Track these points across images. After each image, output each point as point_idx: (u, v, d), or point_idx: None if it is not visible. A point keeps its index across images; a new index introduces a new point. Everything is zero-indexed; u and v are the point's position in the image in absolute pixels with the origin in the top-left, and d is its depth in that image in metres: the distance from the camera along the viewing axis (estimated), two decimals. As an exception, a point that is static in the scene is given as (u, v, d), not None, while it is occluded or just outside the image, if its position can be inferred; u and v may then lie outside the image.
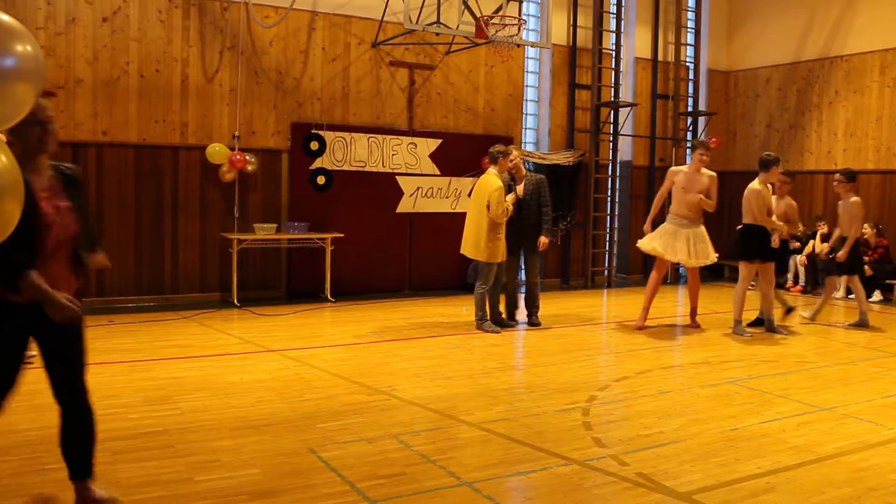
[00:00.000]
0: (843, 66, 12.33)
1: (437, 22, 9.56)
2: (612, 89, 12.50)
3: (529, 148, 12.23)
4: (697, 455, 4.47)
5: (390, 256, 10.75)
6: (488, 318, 8.20)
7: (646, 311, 8.51)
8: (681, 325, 8.84)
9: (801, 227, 11.94)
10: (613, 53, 12.56)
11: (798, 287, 11.81)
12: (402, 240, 10.86)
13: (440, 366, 6.58)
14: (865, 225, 11.16)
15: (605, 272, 12.69)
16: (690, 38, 13.49)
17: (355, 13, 10.35)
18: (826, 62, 12.56)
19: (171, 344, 7.17)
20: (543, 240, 8.29)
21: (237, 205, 9.74)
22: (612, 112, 12.53)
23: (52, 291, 3.09)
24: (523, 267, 8.92)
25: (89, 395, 3.44)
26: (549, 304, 9.56)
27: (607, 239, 12.73)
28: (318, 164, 10.04)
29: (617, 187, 13.02)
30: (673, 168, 8.67)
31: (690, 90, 13.64)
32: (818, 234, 11.54)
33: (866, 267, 10.82)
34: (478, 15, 9.57)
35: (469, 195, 8.60)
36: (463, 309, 9.35)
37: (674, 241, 8.28)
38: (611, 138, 12.71)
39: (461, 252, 8.26)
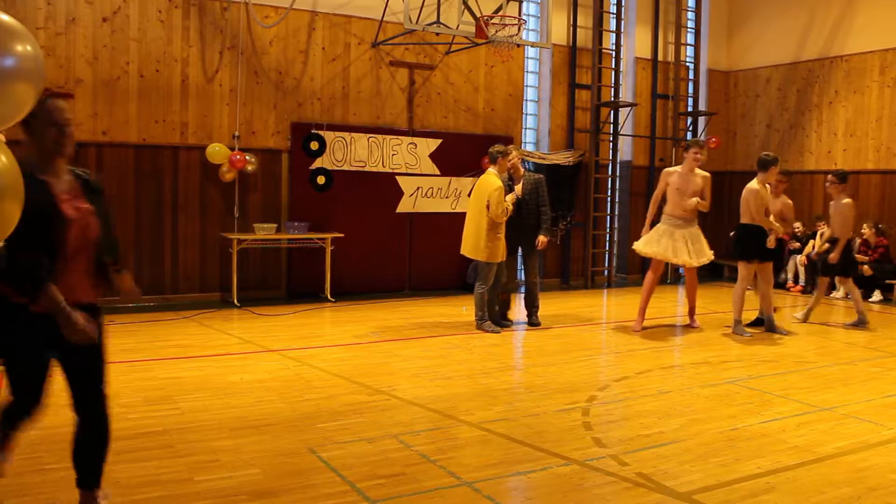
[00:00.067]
0: (843, 66, 12.33)
1: (437, 22, 9.56)
2: (612, 89, 12.50)
3: (529, 148, 12.23)
4: (697, 455, 4.47)
5: (390, 256, 10.75)
6: (488, 318, 8.20)
7: (642, 314, 8.49)
8: (680, 326, 8.84)
9: (799, 227, 11.98)
10: (613, 53, 12.56)
11: (798, 287, 11.81)
12: (402, 240, 10.86)
13: (440, 366, 6.58)
14: (865, 225, 11.18)
15: (605, 272, 12.69)
16: (690, 38, 13.50)
17: (355, 13, 10.35)
18: (826, 62, 12.56)
19: (171, 344, 7.18)
20: (542, 239, 8.28)
21: (237, 205, 9.74)
22: (612, 112, 12.53)
23: (70, 310, 2.99)
24: (522, 267, 8.92)
25: (109, 410, 3.36)
26: (549, 304, 9.56)
27: (607, 239, 12.73)
28: (318, 164, 10.04)
29: (617, 187, 13.02)
30: (667, 169, 8.59)
31: (690, 90, 13.64)
32: (818, 234, 11.54)
33: (866, 267, 10.84)
34: (478, 15, 9.57)
35: (469, 195, 8.60)
36: (463, 309, 9.35)
37: (673, 243, 8.27)
38: (611, 138, 12.72)
39: (461, 252, 8.26)
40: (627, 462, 4.33)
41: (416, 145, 10.77)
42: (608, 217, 12.76)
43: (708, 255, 8.38)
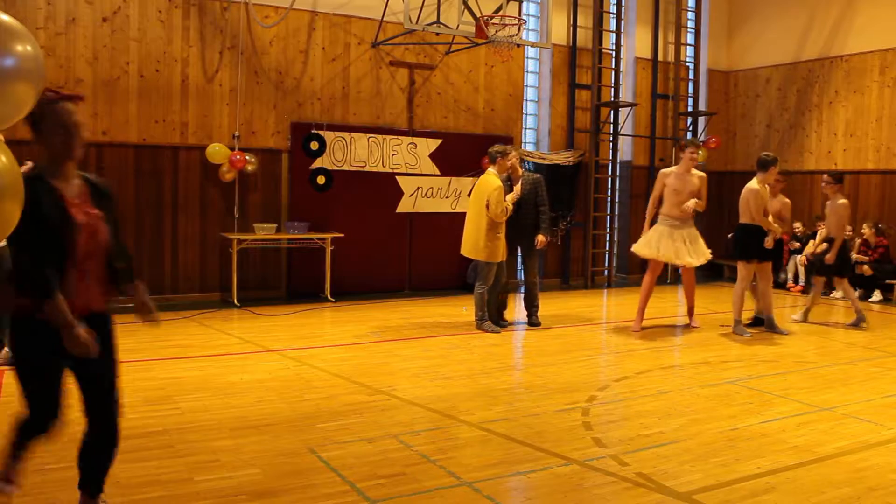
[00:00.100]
0: (843, 66, 12.33)
1: (437, 22, 9.56)
2: (612, 89, 12.50)
3: (529, 148, 12.23)
4: (697, 455, 4.47)
5: (390, 256, 10.75)
6: (488, 318, 8.20)
7: (641, 314, 8.47)
8: (679, 326, 8.84)
9: (799, 227, 11.99)
10: (613, 53, 12.56)
11: (798, 287, 11.81)
12: (402, 240, 10.86)
13: (440, 366, 6.58)
14: (865, 225, 11.19)
15: (605, 272, 12.69)
16: (690, 38, 13.50)
17: (355, 13, 10.35)
18: (826, 62, 12.56)
19: (170, 344, 7.17)
20: (541, 238, 8.27)
21: (237, 205, 9.74)
22: (612, 112, 12.53)
23: (74, 322, 2.96)
24: (522, 267, 8.91)
25: (119, 418, 3.31)
26: (549, 304, 9.56)
27: (607, 239, 12.73)
28: (318, 164, 10.04)
29: (617, 187, 13.02)
30: (664, 170, 8.54)
31: (690, 90, 13.64)
32: (818, 234, 11.54)
33: (866, 267, 10.84)
34: (478, 15, 9.57)
35: (469, 195, 8.60)
36: (463, 309, 9.35)
37: (674, 245, 8.26)
38: (611, 138, 12.72)
39: (461, 252, 8.26)
40: (627, 462, 4.33)
41: (416, 145, 10.77)
42: (608, 217, 12.76)
43: (706, 255, 8.39)
